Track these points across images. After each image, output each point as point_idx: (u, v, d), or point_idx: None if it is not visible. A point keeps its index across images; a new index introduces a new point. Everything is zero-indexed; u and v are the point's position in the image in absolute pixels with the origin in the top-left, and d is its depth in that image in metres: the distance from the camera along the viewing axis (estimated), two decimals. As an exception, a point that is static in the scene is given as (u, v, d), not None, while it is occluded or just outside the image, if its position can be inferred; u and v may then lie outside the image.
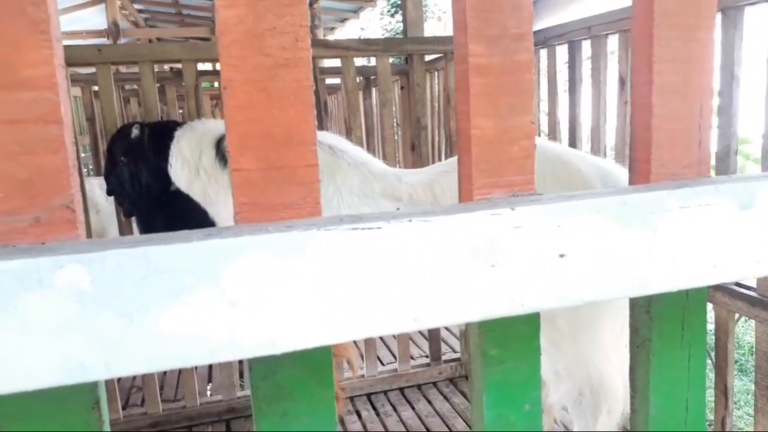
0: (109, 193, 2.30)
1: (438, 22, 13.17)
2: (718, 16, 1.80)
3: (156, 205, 2.23)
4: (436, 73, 3.26)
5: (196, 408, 2.54)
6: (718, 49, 1.82)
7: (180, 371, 2.62)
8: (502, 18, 0.47)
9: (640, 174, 0.53)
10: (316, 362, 0.46)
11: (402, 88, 2.95)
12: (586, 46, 2.47)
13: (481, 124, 0.48)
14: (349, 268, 0.40)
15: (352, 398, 2.73)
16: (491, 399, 0.50)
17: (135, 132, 2.18)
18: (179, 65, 2.40)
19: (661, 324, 0.54)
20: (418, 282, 0.41)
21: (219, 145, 2.06)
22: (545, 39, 2.66)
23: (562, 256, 0.44)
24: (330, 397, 0.47)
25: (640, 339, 0.55)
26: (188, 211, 2.12)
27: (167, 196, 2.16)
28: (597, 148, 2.39)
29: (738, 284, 1.91)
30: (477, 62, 0.47)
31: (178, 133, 2.11)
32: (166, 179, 2.13)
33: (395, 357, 2.96)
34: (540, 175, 1.72)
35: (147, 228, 2.30)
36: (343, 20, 7.76)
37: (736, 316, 1.96)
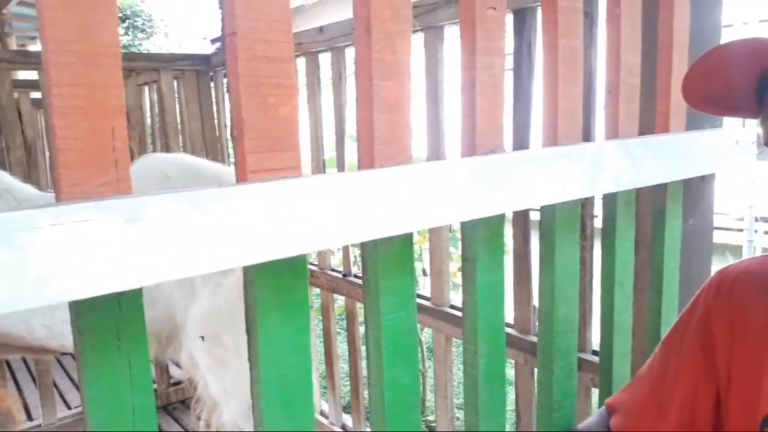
0: None
1: (165, 38, 12.66)
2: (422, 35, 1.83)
3: None
4: (146, 87, 3.13)
5: None
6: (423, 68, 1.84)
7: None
8: None
9: (58, 193, 0.55)
10: None
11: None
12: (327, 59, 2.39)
13: None
14: None
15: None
16: None
17: None
18: None
19: (93, 337, 0.57)
20: None
21: None
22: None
23: None
24: None
25: (76, 353, 0.57)
26: None
27: None
28: (342, 159, 2.40)
29: (418, 296, 2.12)
30: None
31: None
32: None
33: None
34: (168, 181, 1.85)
35: None
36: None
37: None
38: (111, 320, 0.57)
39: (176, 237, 0.55)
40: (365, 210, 0.69)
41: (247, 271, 0.67)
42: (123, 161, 0.56)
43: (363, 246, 0.77)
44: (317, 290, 2.56)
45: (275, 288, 0.68)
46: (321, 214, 0.65)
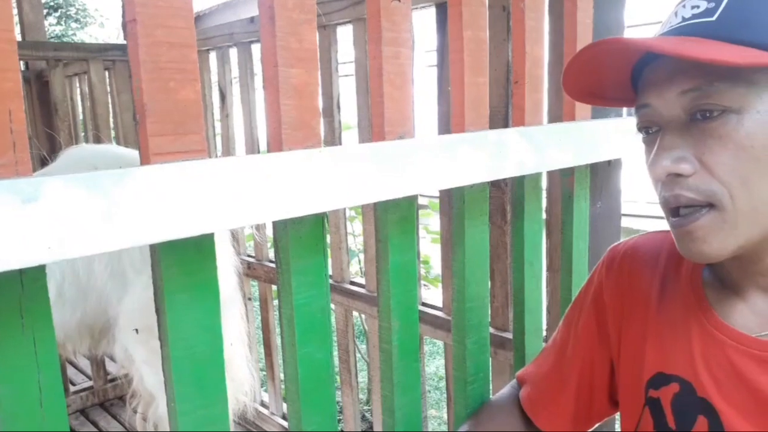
0: None
1: (101, 29, 12.20)
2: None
3: None
4: (76, 78, 3.06)
5: None
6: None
7: None
8: None
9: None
10: None
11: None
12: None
13: None
14: None
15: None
16: None
17: None
18: None
19: (-3, 315, 0.58)
20: None
21: None
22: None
23: None
24: None
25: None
26: None
27: None
28: (251, 149, 2.39)
29: (352, 282, 2.16)
30: None
31: None
32: None
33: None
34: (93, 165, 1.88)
35: None
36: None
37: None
38: (13, 298, 0.58)
39: (75, 217, 0.56)
40: (272, 191, 0.72)
41: (154, 250, 0.69)
42: (21, 144, 0.58)
43: (275, 227, 0.80)
44: (255, 282, 2.56)
45: (182, 267, 0.70)
46: (226, 195, 0.68)
